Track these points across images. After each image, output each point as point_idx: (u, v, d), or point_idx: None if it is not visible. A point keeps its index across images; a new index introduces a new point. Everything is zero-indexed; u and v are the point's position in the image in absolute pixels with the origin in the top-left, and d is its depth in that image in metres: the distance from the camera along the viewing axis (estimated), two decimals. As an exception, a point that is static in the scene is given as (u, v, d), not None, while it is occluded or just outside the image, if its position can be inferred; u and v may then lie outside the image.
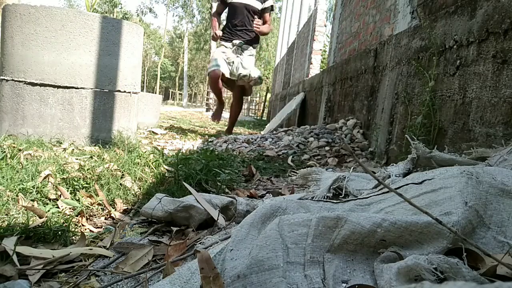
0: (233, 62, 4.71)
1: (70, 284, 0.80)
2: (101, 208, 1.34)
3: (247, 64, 4.71)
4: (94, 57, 2.55)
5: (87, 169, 1.56)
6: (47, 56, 2.43)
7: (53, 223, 1.07)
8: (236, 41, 4.75)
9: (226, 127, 5.43)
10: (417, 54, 2.18)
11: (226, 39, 4.84)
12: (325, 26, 7.84)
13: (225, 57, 4.73)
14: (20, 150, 1.89)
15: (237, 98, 5.10)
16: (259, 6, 4.75)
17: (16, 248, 0.84)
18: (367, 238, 0.67)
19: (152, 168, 1.79)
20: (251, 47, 4.86)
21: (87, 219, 1.26)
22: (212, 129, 5.95)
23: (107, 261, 0.93)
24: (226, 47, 4.80)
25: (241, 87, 4.93)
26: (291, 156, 2.76)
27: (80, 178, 1.46)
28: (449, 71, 1.81)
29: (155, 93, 33.25)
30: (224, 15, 5.18)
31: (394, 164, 1.29)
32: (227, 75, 4.65)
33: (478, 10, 1.60)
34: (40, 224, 1.04)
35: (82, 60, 2.51)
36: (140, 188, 1.57)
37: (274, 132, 4.07)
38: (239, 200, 1.25)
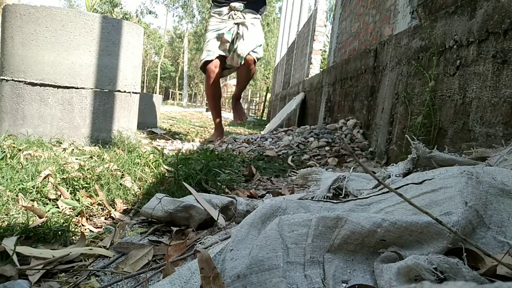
0: (233, 34, 3.57)
1: (70, 284, 0.80)
2: (101, 208, 1.34)
3: (248, 37, 3.55)
4: (94, 57, 2.54)
5: (87, 169, 1.56)
6: (47, 56, 2.43)
7: (53, 223, 1.07)
8: (235, 4, 3.60)
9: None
10: (417, 54, 2.18)
11: (221, 3, 3.63)
12: (325, 26, 7.84)
13: (217, 35, 3.59)
14: (20, 150, 1.89)
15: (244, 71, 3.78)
16: None
17: (16, 248, 0.84)
18: (367, 238, 0.67)
19: (152, 168, 1.79)
20: (254, 11, 3.70)
21: (87, 219, 1.26)
22: (212, 129, 5.95)
23: (107, 261, 0.93)
24: (219, 15, 3.62)
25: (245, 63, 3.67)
26: (291, 156, 2.76)
27: (80, 178, 1.46)
28: (449, 71, 1.81)
29: (155, 93, 33.25)
30: None
31: (394, 164, 1.29)
32: (227, 58, 3.58)
33: (478, 10, 1.60)
34: (40, 224, 1.04)
35: (82, 60, 2.51)
36: (140, 188, 1.57)
37: (274, 132, 4.07)
38: (239, 200, 1.25)
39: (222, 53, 3.61)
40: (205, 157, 1.91)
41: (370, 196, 0.97)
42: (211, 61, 3.62)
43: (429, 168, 1.14)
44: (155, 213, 1.18)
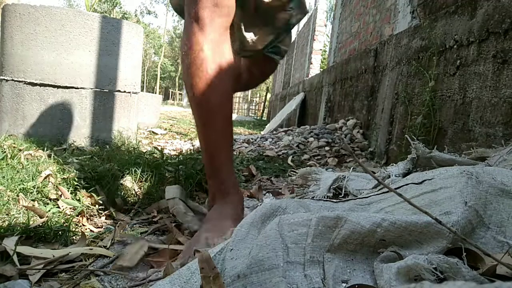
0: None
1: (70, 284, 0.80)
2: (102, 208, 1.34)
3: None
4: (94, 57, 2.54)
5: (88, 169, 1.56)
6: (47, 56, 2.43)
7: (54, 223, 1.07)
8: None
9: None
10: (417, 54, 2.18)
11: None
12: (325, 26, 7.84)
13: None
14: (20, 150, 1.89)
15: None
16: None
17: (16, 248, 0.85)
18: (367, 238, 0.67)
19: (152, 168, 1.78)
20: None
21: (87, 219, 1.26)
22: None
23: (107, 260, 0.93)
24: None
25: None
26: (291, 156, 2.76)
27: (80, 178, 1.46)
28: (449, 71, 1.81)
29: (155, 93, 33.22)
30: None
31: (394, 164, 1.29)
32: None
33: (479, 10, 1.60)
34: (40, 224, 1.04)
35: (82, 60, 2.51)
36: (140, 188, 1.57)
37: (274, 132, 4.07)
38: (239, 200, 1.25)
39: None
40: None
41: (370, 196, 0.97)
42: None
43: (429, 168, 1.14)
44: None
